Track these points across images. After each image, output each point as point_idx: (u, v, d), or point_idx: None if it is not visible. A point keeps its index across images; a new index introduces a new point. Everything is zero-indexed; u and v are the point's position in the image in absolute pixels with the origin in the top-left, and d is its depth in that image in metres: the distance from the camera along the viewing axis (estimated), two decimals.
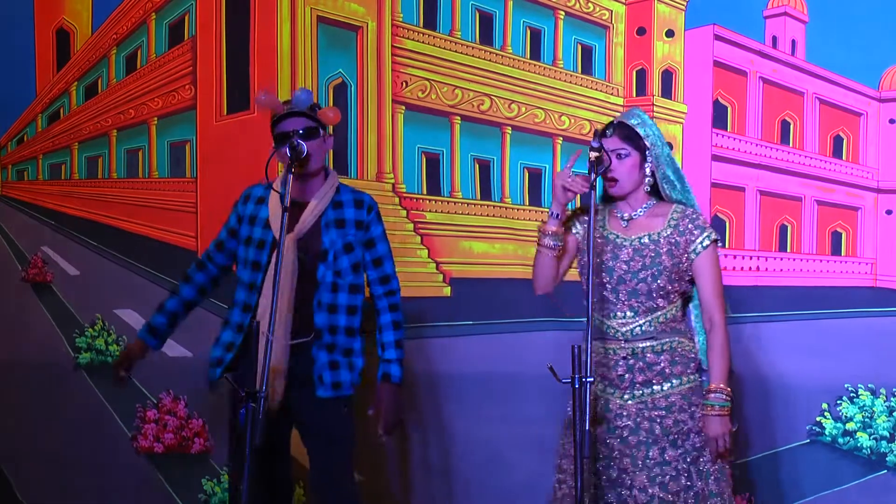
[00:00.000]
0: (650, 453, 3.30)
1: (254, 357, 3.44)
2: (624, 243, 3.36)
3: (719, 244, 3.40)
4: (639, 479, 3.29)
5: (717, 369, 3.35)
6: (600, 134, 3.32)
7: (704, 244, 3.35)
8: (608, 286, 3.33)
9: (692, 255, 3.35)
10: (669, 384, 3.34)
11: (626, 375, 3.32)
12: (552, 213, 3.30)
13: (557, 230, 3.30)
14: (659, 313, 3.34)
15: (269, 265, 3.57)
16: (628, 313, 3.33)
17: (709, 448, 3.33)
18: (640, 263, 3.33)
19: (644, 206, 3.40)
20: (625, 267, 3.33)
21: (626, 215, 3.38)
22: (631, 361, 3.32)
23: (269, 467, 3.69)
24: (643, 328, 3.33)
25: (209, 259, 3.84)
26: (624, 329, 3.33)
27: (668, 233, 3.36)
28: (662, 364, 3.33)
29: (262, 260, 3.62)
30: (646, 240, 3.36)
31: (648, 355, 3.32)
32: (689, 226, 3.36)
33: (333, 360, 3.63)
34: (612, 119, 3.45)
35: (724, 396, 3.32)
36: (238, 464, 3.67)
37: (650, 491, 3.28)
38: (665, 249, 3.34)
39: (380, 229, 3.73)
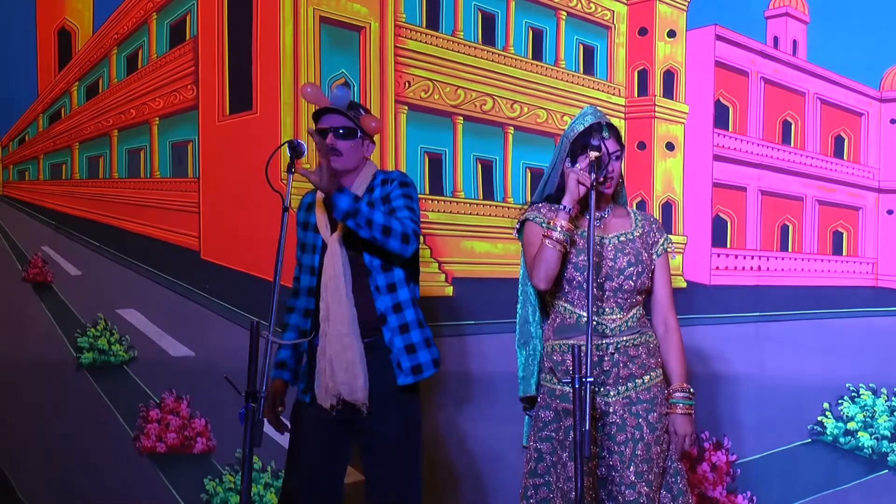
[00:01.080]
0: (637, 450, 3.33)
1: (332, 359, 3.52)
2: (604, 242, 3.39)
3: (673, 248, 3.53)
4: (627, 476, 3.31)
5: (678, 369, 3.44)
6: (601, 135, 3.33)
7: (665, 247, 3.49)
8: (594, 283, 3.36)
9: (654, 257, 3.46)
10: (649, 376, 3.40)
11: (613, 370, 3.36)
12: (564, 208, 3.30)
13: (569, 225, 3.30)
14: (635, 309, 3.42)
15: (322, 267, 3.59)
16: (616, 309, 3.37)
17: (674, 446, 3.40)
18: (626, 261, 3.38)
19: (609, 206, 3.48)
20: (610, 265, 3.37)
21: (596, 214, 3.41)
22: (616, 356, 3.36)
23: (326, 485, 3.67)
24: (628, 324, 3.39)
25: (298, 281, 3.78)
26: (612, 325, 3.37)
27: (640, 233, 3.46)
28: (642, 356, 3.39)
29: (316, 264, 3.64)
30: (623, 238, 3.43)
31: (631, 349, 3.38)
32: (652, 228, 3.49)
33: (409, 344, 3.62)
34: (600, 114, 3.45)
35: (689, 395, 3.41)
36: (293, 471, 3.69)
37: (638, 488, 3.30)
38: (642, 248, 3.43)
39: (398, 190, 3.62)
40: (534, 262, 3.38)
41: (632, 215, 3.49)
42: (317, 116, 3.67)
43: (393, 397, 3.61)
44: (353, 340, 3.54)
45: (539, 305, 3.57)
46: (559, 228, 3.29)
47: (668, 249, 3.50)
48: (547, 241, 3.30)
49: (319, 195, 3.63)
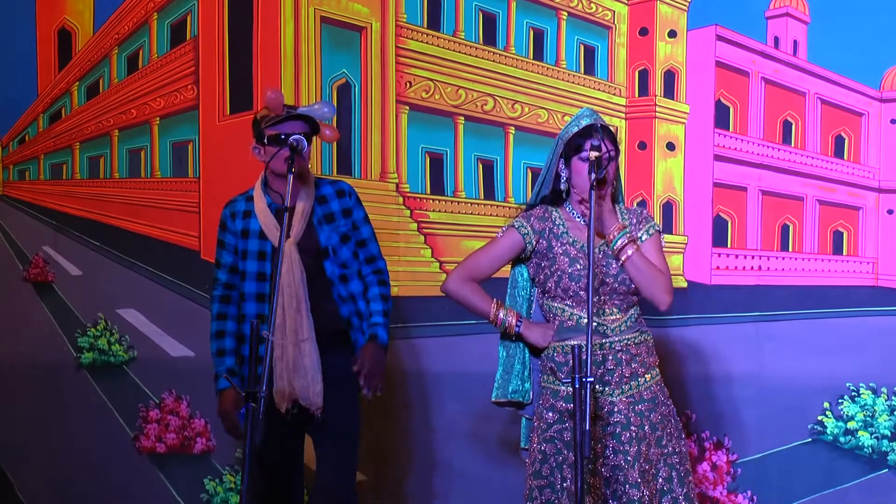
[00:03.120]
0: (641, 448, 3.33)
1: (290, 363, 3.58)
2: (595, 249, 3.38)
3: (662, 235, 3.54)
4: (632, 476, 3.32)
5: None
6: (601, 135, 3.33)
7: (650, 232, 3.47)
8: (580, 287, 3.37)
9: (638, 243, 3.44)
10: (650, 374, 3.43)
11: (617, 369, 3.37)
12: (518, 327, 3.43)
13: (510, 331, 3.46)
14: (633, 308, 3.44)
15: (277, 274, 3.60)
16: (615, 310, 3.38)
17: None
18: (618, 265, 3.37)
19: None
20: (605, 270, 3.37)
21: (582, 218, 3.41)
22: (620, 355, 3.38)
23: (286, 477, 3.74)
24: (628, 323, 3.41)
25: (227, 287, 3.79)
26: (613, 325, 3.39)
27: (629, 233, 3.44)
28: (643, 355, 3.42)
29: (267, 270, 3.66)
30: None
31: (632, 348, 3.40)
32: (634, 221, 3.47)
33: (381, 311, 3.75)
34: (597, 118, 3.45)
35: (635, 241, 3.40)
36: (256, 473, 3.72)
37: (643, 488, 3.31)
38: None
39: (361, 213, 3.78)
40: (465, 284, 3.49)
41: (618, 215, 3.47)
42: (276, 122, 3.62)
43: (342, 390, 3.68)
44: (310, 347, 3.60)
45: (527, 308, 3.57)
46: (502, 321, 3.45)
47: (651, 233, 3.46)
48: (492, 308, 3.45)
49: (261, 203, 3.66)
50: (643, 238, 3.45)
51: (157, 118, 5.23)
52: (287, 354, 3.58)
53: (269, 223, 3.64)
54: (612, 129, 3.46)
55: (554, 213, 3.44)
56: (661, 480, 3.38)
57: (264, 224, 3.65)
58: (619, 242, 3.36)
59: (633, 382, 3.39)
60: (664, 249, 3.55)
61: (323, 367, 3.63)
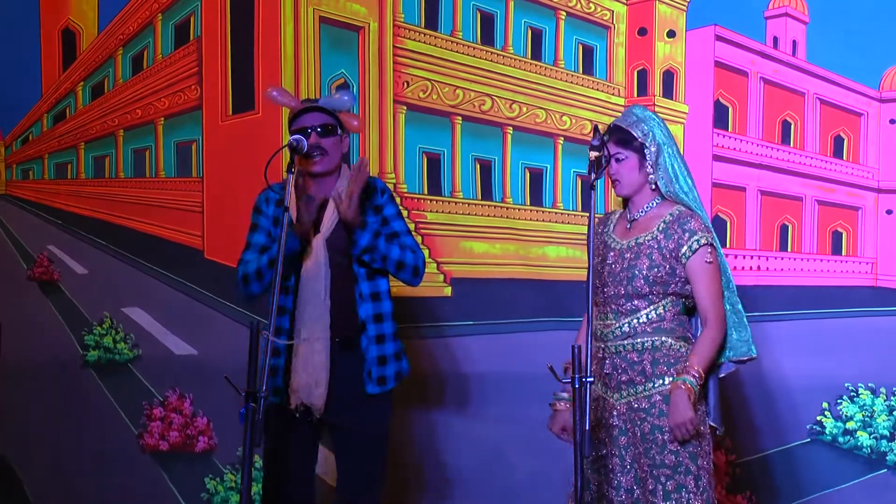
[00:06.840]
0: (635, 453, 3.31)
1: (301, 360, 3.55)
2: (614, 246, 3.38)
3: (710, 248, 3.30)
4: (625, 480, 3.32)
5: (695, 353, 3.26)
6: (601, 135, 3.31)
7: (693, 248, 3.29)
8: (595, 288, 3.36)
9: (683, 260, 3.30)
10: (651, 384, 3.31)
11: (613, 374, 3.34)
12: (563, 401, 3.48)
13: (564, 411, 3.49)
14: (640, 314, 3.32)
15: (301, 267, 3.59)
16: (609, 315, 3.35)
17: (672, 433, 3.24)
18: (620, 267, 3.34)
19: (646, 207, 3.39)
20: (608, 269, 3.35)
21: (629, 217, 3.41)
22: (616, 360, 3.34)
23: (298, 485, 3.69)
24: (622, 329, 3.33)
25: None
26: (605, 330, 3.36)
27: (655, 235, 3.33)
28: (644, 363, 3.31)
29: (294, 262, 3.62)
30: (632, 243, 3.36)
31: (630, 354, 3.33)
32: (679, 230, 3.31)
33: (382, 356, 3.63)
34: (612, 120, 3.46)
35: (693, 377, 3.21)
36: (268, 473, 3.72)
37: (636, 493, 3.31)
38: (646, 252, 3.32)
39: (393, 209, 3.70)
40: None
41: (664, 216, 3.35)
42: (296, 116, 3.64)
43: (364, 399, 3.63)
44: (322, 345, 3.56)
45: None
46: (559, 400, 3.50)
47: (694, 248, 3.28)
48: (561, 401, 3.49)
49: (293, 195, 3.61)
50: (686, 255, 3.29)
51: (162, 118, 5.26)
52: (299, 351, 3.56)
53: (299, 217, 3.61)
54: (625, 128, 3.38)
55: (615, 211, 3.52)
56: (647, 493, 3.32)
57: (295, 216, 3.60)
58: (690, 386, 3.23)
59: (631, 389, 3.33)
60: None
61: (337, 370, 3.58)
